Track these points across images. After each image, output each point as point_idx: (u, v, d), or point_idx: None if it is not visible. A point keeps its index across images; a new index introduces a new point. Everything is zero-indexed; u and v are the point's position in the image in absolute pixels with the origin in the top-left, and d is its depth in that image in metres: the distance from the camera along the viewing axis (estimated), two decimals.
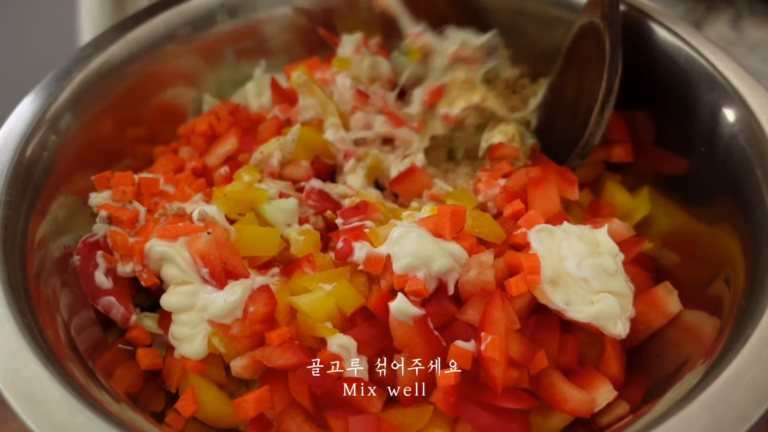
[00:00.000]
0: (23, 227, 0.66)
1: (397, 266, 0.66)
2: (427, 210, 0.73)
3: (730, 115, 0.70)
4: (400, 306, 0.63)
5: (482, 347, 0.61)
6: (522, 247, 0.69)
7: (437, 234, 0.68)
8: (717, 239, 0.70)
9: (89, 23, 1.21)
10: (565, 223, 0.71)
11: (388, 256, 0.67)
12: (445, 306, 0.66)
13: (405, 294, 0.64)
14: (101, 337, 0.71)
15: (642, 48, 0.79)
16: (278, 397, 0.65)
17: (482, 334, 0.62)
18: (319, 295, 0.67)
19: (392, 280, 0.66)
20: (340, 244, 0.69)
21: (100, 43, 0.80)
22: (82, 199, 0.75)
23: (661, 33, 0.78)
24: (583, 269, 0.66)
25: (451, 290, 0.66)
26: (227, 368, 0.68)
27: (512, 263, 0.67)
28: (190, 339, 0.68)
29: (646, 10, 0.80)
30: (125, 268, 0.72)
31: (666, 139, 0.79)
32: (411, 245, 0.66)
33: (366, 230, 0.71)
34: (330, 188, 0.81)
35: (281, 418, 0.65)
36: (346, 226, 0.73)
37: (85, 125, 0.76)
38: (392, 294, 0.65)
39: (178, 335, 0.69)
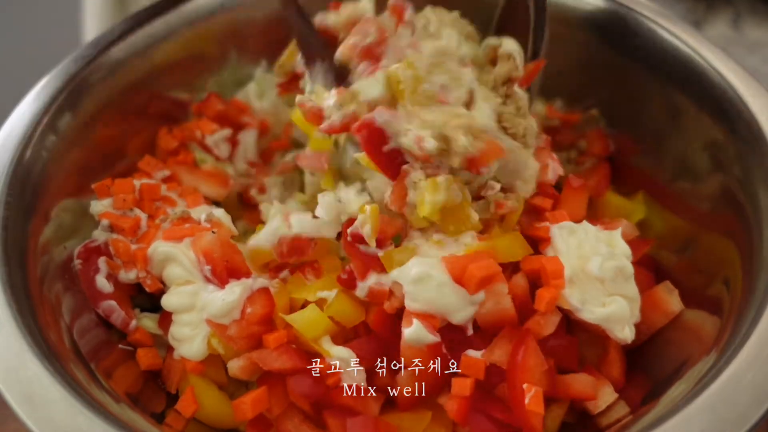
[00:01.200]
0: (23, 227, 0.66)
1: (411, 306, 0.62)
2: (462, 247, 0.66)
3: (729, 115, 0.70)
4: (416, 334, 0.61)
5: (526, 401, 0.59)
6: (541, 240, 0.68)
7: (459, 281, 0.63)
8: (715, 240, 0.70)
9: (93, 23, 1.21)
10: (584, 222, 0.70)
11: (396, 284, 0.64)
12: (462, 338, 0.63)
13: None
14: (102, 338, 0.71)
15: (641, 48, 0.79)
16: (276, 399, 0.65)
17: (524, 386, 0.60)
18: (312, 314, 0.66)
19: (397, 305, 0.64)
20: (343, 276, 0.67)
21: (101, 43, 0.79)
22: (82, 200, 0.74)
23: (661, 33, 0.77)
24: (604, 270, 0.65)
25: (469, 332, 0.63)
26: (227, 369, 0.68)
27: (533, 269, 0.65)
28: (189, 340, 0.68)
29: (645, 10, 0.80)
30: (128, 275, 0.72)
31: (664, 140, 0.79)
32: (429, 294, 0.62)
33: (380, 254, 0.66)
34: None
35: (279, 418, 0.65)
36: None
37: (86, 125, 0.76)
38: (396, 314, 0.63)
39: (178, 336, 0.69)
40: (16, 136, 0.70)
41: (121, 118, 0.80)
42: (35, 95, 0.73)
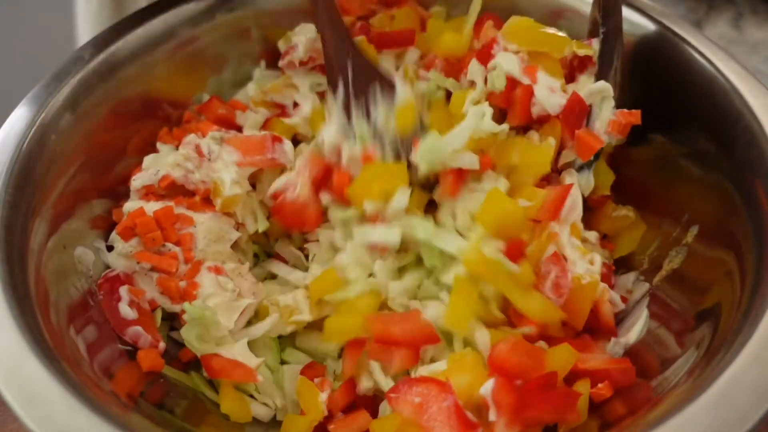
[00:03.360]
0: (23, 227, 0.66)
1: None
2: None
3: (731, 115, 0.70)
4: None
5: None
6: None
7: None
8: (717, 241, 0.70)
9: (87, 24, 1.20)
10: None
11: None
12: None
13: None
14: (103, 337, 0.71)
15: (641, 48, 0.79)
16: None
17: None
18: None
19: None
20: None
21: (99, 43, 0.79)
22: (82, 200, 0.75)
23: (661, 33, 0.77)
24: None
25: None
26: None
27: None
28: None
29: (646, 10, 0.80)
30: (174, 307, 0.73)
31: (664, 140, 0.79)
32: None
33: None
34: None
35: None
36: None
37: (86, 126, 0.76)
38: None
39: None
40: (16, 136, 0.70)
41: (120, 118, 0.80)
42: (35, 95, 0.73)
